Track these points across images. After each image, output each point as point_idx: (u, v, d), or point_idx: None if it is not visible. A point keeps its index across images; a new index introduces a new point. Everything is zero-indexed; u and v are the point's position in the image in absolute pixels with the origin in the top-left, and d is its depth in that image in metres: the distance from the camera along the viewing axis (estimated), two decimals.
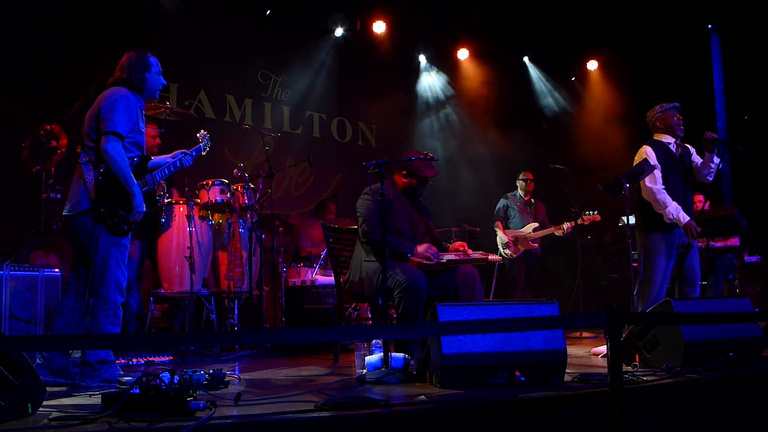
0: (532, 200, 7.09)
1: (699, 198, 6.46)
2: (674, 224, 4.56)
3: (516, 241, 6.85)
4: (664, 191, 4.56)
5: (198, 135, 4.09)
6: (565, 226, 6.78)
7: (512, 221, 6.99)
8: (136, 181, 3.40)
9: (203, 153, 4.04)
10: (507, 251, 6.84)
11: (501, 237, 6.90)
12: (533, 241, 6.85)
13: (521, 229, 6.89)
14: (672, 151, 4.69)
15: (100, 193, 3.33)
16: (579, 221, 6.70)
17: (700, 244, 5.48)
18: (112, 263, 3.37)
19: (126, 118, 3.39)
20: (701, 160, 4.70)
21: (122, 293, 3.46)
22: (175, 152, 3.87)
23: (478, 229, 7.86)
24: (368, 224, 4.05)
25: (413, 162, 4.13)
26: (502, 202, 7.09)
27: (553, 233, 6.84)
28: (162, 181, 5.01)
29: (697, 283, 4.67)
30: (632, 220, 4.76)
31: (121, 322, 3.47)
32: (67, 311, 3.45)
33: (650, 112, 4.80)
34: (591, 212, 6.78)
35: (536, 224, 6.90)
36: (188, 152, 3.87)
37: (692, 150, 4.79)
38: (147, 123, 5.01)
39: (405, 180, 4.29)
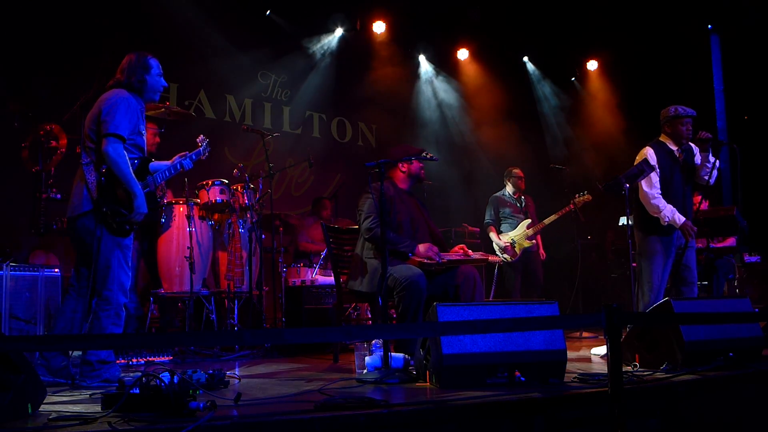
0: (522, 197, 6.88)
1: (696, 199, 6.46)
2: (672, 227, 4.55)
3: (513, 243, 6.71)
4: (659, 196, 4.55)
5: (198, 140, 4.11)
6: (552, 218, 6.62)
7: (505, 222, 6.76)
8: (137, 182, 3.41)
9: (203, 157, 4.06)
10: (506, 255, 6.63)
11: (497, 242, 6.67)
12: (530, 239, 6.72)
13: (516, 230, 6.69)
14: (675, 156, 4.68)
15: (102, 194, 3.33)
16: (570, 207, 6.49)
17: (699, 244, 5.47)
18: (114, 264, 3.39)
19: (127, 120, 3.39)
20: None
21: (125, 294, 3.46)
22: (174, 157, 3.88)
23: (477, 229, 7.84)
24: (371, 221, 4.06)
25: (405, 153, 4.17)
26: (491, 205, 6.85)
27: (544, 227, 6.65)
28: (162, 182, 5.03)
29: (694, 283, 4.66)
30: (632, 220, 4.75)
31: (123, 323, 3.48)
32: (68, 311, 3.46)
33: (664, 111, 4.72)
34: (581, 194, 6.52)
35: (529, 221, 6.67)
36: (187, 155, 3.88)
37: (696, 151, 4.75)
38: (146, 122, 5.05)
39: (404, 170, 4.29)
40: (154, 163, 3.73)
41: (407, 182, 4.35)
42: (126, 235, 3.43)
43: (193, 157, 3.92)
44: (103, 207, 3.33)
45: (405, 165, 4.28)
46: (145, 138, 3.60)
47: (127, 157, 3.39)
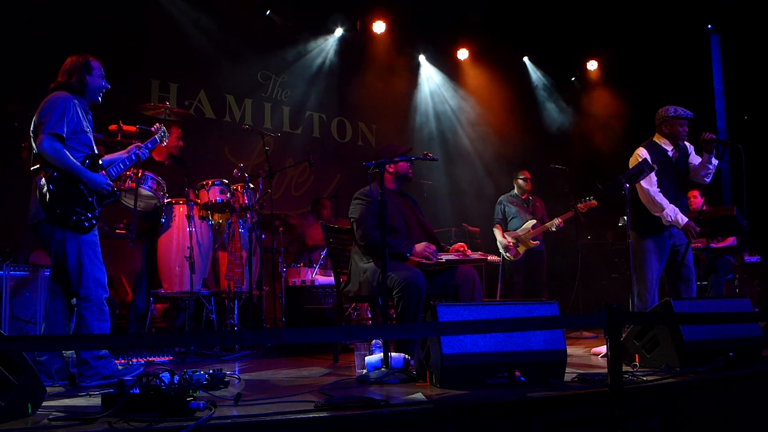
0: (530, 198, 6.99)
1: (694, 193, 6.44)
2: (665, 227, 4.55)
3: (516, 242, 6.75)
4: (660, 193, 4.55)
5: (152, 128, 4.12)
6: (557, 221, 6.67)
7: (512, 222, 6.87)
8: (83, 168, 3.42)
9: (162, 144, 4.12)
10: (508, 254, 6.71)
11: (500, 240, 6.77)
12: (534, 239, 6.76)
13: (520, 229, 6.78)
14: (668, 156, 4.68)
15: (53, 197, 3.34)
16: (575, 211, 6.56)
17: (699, 244, 5.46)
18: (85, 261, 3.41)
19: (66, 119, 3.39)
20: (699, 160, 4.69)
21: (104, 288, 3.48)
22: (130, 147, 3.87)
23: (477, 229, 7.84)
24: (364, 228, 4.04)
25: (392, 153, 4.14)
26: (499, 204, 6.98)
27: (548, 229, 6.72)
28: (162, 182, 5.03)
29: (692, 280, 4.65)
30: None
31: (108, 317, 3.50)
32: (51, 313, 3.48)
33: (662, 111, 4.70)
34: (586, 198, 6.62)
35: (534, 221, 6.76)
36: (142, 145, 3.88)
37: (691, 150, 4.74)
38: (172, 126, 5.09)
39: (391, 170, 4.27)
40: (107, 158, 3.74)
41: (395, 182, 4.33)
42: (88, 231, 3.44)
43: (149, 145, 3.92)
44: (57, 210, 3.34)
45: (392, 165, 4.25)
46: (91, 135, 3.58)
47: (72, 154, 3.39)
